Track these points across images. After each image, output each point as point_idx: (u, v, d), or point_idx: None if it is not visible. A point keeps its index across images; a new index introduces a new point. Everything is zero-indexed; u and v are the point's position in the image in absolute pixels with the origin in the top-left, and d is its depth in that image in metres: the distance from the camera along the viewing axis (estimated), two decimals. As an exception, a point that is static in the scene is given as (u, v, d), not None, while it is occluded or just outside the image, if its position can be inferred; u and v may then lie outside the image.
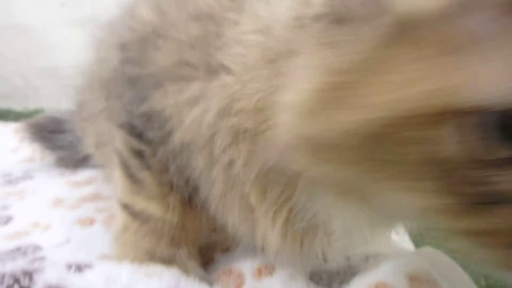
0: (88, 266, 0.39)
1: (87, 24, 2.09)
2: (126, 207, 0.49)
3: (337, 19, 0.27)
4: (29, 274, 0.36)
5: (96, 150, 0.71)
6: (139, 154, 0.47)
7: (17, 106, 1.94)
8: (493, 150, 0.21)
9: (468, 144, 0.22)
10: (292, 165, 0.31)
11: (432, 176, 0.23)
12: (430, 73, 0.22)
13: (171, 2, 0.45)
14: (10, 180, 0.85)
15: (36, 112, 1.88)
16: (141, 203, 0.48)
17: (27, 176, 0.88)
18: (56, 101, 1.91)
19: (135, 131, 0.47)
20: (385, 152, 0.24)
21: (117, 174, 0.50)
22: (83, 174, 0.89)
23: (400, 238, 0.58)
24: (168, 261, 0.45)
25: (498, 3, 0.21)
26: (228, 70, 0.37)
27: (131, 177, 0.49)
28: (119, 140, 0.50)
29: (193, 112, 0.40)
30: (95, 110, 0.63)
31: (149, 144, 0.46)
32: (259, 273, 0.47)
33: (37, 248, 0.53)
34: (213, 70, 0.38)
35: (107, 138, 0.59)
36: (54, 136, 0.91)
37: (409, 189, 0.25)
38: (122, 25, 0.50)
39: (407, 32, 0.23)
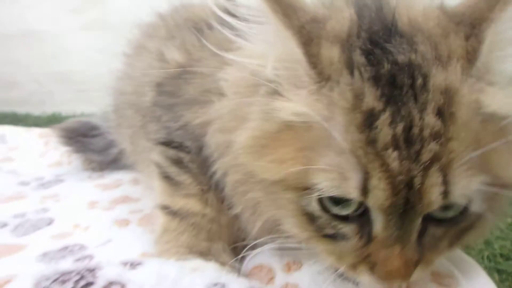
0: (139, 263, 0.43)
1: (97, 28, 2.15)
2: (165, 207, 0.54)
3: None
4: (92, 271, 0.40)
5: (130, 144, 0.77)
6: (177, 162, 0.53)
7: (34, 110, 2.00)
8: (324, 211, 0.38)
9: (314, 205, 0.38)
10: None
11: (300, 218, 0.40)
12: (295, 160, 0.36)
13: (194, 42, 0.57)
14: (43, 184, 0.91)
15: (53, 116, 1.94)
16: (180, 202, 0.54)
17: (58, 179, 0.94)
18: (72, 104, 1.97)
19: (173, 145, 0.55)
20: (275, 196, 0.40)
21: (157, 183, 0.57)
22: (110, 177, 0.95)
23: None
24: (205, 254, 0.50)
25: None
26: (222, 93, 0.47)
27: (170, 181, 0.54)
28: (157, 154, 0.57)
29: (211, 129, 0.49)
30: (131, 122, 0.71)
31: (188, 152, 0.53)
32: (288, 268, 0.52)
33: (82, 247, 0.58)
34: (219, 93, 0.48)
35: (142, 148, 0.65)
36: (86, 140, 0.96)
37: (288, 220, 0.41)
38: (153, 67, 0.61)
39: (289, 128, 0.37)
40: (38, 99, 2.10)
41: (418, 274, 0.38)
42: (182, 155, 0.54)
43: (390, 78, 0.35)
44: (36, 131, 1.33)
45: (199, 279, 0.43)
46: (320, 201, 0.38)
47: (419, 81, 0.35)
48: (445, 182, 0.33)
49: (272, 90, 0.39)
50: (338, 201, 0.37)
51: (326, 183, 0.35)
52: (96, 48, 1.92)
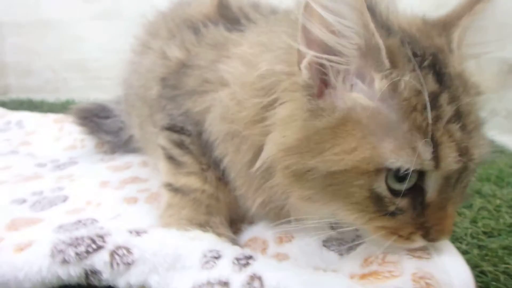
0: (145, 232, 0.49)
1: (109, 17, 2.20)
2: (168, 185, 0.60)
3: (315, 94, 0.43)
4: (102, 237, 0.46)
5: (139, 131, 0.83)
6: (180, 144, 0.60)
7: (49, 97, 2.07)
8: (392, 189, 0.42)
9: (383, 186, 0.41)
10: (272, 176, 0.48)
11: (366, 202, 0.43)
12: (363, 147, 0.40)
13: (193, 40, 0.64)
14: (59, 166, 0.97)
15: (67, 103, 2.00)
16: (182, 179, 0.59)
17: (72, 162, 1.00)
18: (85, 91, 2.04)
19: (175, 129, 0.61)
20: (336, 185, 0.43)
21: (162, 164, 0.63)
22: (121, 159, 1.00)
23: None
24: (203, 226, 0.55)
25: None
26: (225, 83, 0.53)
27: (173, 161, 0.60)
28: (162, 138, 0.63)
29: (209, 116, 0.55)
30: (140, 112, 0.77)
31: (189, 135, 0.59)
32: (280, 240, 0.57)
33: (94, 221, 0.64)
34: (222, 83, 0.54)
35: (149, 135, 0.71)
36: (101, 121, 1.02)
37: (347, 207, 0.44)
38: (158, 64, 0.68)
39: (348, 120, 0.41)
40: (53, 87, 2.17)
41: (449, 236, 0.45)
42: (183, 138, 0.59)
43: (431, 66, 0.42)
44: (51, 116, 1.39)
45: (197, 246, 0.47)
46: (388, 179, 0.41)
47: (448, 69, 0.43)
48: (483, 145, 0.43)
49: (307, 85, 0.43)
50: (401, 178, 0.41)
51: (402, 160, 0.39)
52: (109, 37, 1.98)
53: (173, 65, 0.64)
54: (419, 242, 0.44)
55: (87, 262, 0.43)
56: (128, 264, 0.44)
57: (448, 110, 0.40)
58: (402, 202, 0.42)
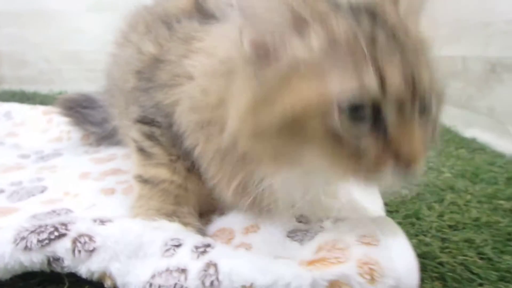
0: (109, 220, 0.50)
1: (105, 9, 2.21)
2: (138, 176, 0.62)
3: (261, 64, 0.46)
4: (65, 225, 0.47)
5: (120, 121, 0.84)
6: (150, 136, 0.61)
7: (43, 89, 2.08)
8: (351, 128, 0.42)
9: (338, 124, 0.42)
10: (239, 147, 0.50)
11: (327, 142, 0.43)
12: (310, 88, 0.42)
13: (166, 35, 0.65)
14: (42, 157, 0.99)
15: (60, 94, 2.01)
16: (151, 171, 0.61)
17: (56, 153, 1.01)
18: (79, 83, 2.05)
19: (146, 120, 0.62)
20: (296, 132, 0.44)
21: (133, 156, 0.65)
22: (105, 152, 1.02)
23: (372, 204, 0.68)
24: (170, 215, 0.57)
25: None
26: (191, 76, 0.55)
27: (144, 153, 0.61)
28: (134, 132, 0.64)
29: (179, 109, 0.57)
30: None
31: (159, 127, 0.60)
32: (247, 230, 0.58)
33: (68, 211, 0.65)
34: (188, 77, 0.56)
35: (124, 128, 0.73)
36: (86, 111, 1.03)
37: (312, 151, 0.44)
38: (134, 58, 0.69)
39: (292, 73, 0.44)
40: (47, 78, 2.18)
41: (422, 163, 0.44)
42: (154, 129, 0.60)
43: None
44: (40, 108, 1.40)
45: (159, 235, 0.49)
46: (342, 116, 0.42)
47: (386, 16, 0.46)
48: (429, 74, 0.45)
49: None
50: (355, 109, 0.41)
51: (349, 92, 0.41)
52: (104, 29, 1.99)
53: (147, 60, 0.65)
54: (391, 170, 0.43)
55: (49, 249, 0.45)
56: (90, 252, 0.46)
57: (383, 40, 0.43)
58: (365, 141, 0.43)
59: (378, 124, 0.42)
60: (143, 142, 0.62)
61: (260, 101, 0.45)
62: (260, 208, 0.58)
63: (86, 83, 1.99)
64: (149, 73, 0.64)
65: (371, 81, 0.41)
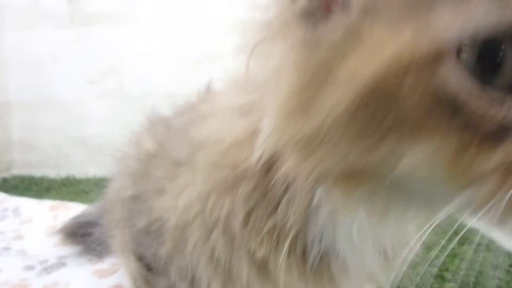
0: None
1: (112, 97, 2.32)
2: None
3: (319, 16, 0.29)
4: None
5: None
6: (149, 282, 0.60)
7: (50, 172, 2.13)
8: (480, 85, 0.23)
9: (456, 78, 0.24)
10: (284, 168, 0.32)
11: (436, 116, 0.24)
12: (398, 34, 0.25)
13: (165, 132, 0.59)
14: (46, 269, 1.00)
15: (67, 179, 2.06)
16: None
17: (60, 263, 1.03)
18: (85, 167, 2.11)
19: (144, 261, 0.59)
20: (382, 110, 0.25)
21: None
22: (109, 261, 1.03)
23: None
24: None
25: None
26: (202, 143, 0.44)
27: None
28: (132, 267, 0.63)
29: (183, 197, 0.45)
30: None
31: (155, 273, 0.58)
32: None
33: None
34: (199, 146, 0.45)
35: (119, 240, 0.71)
36: (83, 239, 1.05)
37: (413, 138, 0.25)
38: (131, 159, 0.64)
39: (369, 14, 0.26)
40: (55, 162, 2.24)
41: None
42: (149, 277, 0.60)
43: None
44: (47, 204, 1.45)
45: None
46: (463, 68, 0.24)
47: None
48: None
49: None
50: (489, 60, 0.23)
51: (469, 23, 0.23)
52: (111, 114, 2.09)
53: (144, 159, 0.60)
54: None
55: None
56: None
57: None
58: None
59: None
60: (142, 285, 0.62)
61: (315, 79, 0.28)
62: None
63: (92, 166, 2.06)
64: (143, 171, 0.57)
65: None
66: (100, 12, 2.14)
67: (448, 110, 0.24)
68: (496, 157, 0.24)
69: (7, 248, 1.13)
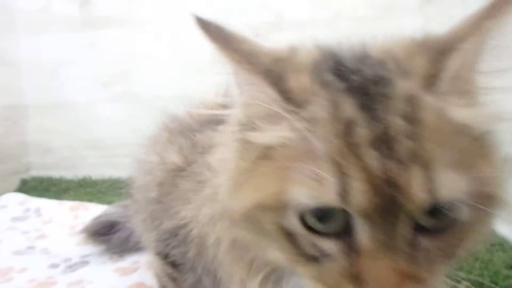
0: None
1: (124, 100, 2.37)
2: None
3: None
4: None
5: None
6: (173, 279, 0.64)
7: (67, 174, 2.19)
8: (306, 229, 0.37)
9: (293, 222, 0.37)
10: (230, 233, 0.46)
11: (282, 241, 0.39)
12: (270, 181, 0.38)
13: (189, 146, 0.65)
14: (70, 266, 1.04)
15: (84, 180, 2.11)
16: None
17: (83, 261, 1.07)
18: (100, 169, 2.16)
19: (168, 260, 0.63)
20: (256, 224, 0.40)
21: None
22: (130, 259, 1.07)
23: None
24: None
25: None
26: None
27: None
28: (156, 265, 0.67)
29: (203, 210, 0.54)
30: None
31: (180, 271, 0.62)
32: None
33: None
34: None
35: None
36: (109, 237, 1.09)
37: (272, 247, 0.41)
38: (157, 169, 0.68)
39: (260, 160, 0.39)
40: (71, 164, 2.29)
41: None
42: (175, 275, 0.63)
43: (361, 89, 0.37)
44: (67, 204, 1.49)
45: None
46: (303, 218, 0.36)
47: (388, 89, 0.36)
48: (428, 179, 0.33)
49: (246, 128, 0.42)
50: (322, 216, 0.35)
51: (303, 194, 0.35)
52: (125, 117, 2.14)
53: (170, 169, 0.66)
54: None
55: None
56: None
57: (363, 135, 0.34)
58: (330, 245, 0.36)
59: (350, 230, 0.35)
60: (166, 282, 0.65)
61: (236, 181, 0.41)
62: None
63: (107, 168, 2.11)
64: (171, 183, 0.63)
65: (330, 186, 0.33)
66: (111, 15, 2.18)
67: (288, 235, 0.38)
68: (312, 270, 0.38)
69: (31, 247, 1.17)
